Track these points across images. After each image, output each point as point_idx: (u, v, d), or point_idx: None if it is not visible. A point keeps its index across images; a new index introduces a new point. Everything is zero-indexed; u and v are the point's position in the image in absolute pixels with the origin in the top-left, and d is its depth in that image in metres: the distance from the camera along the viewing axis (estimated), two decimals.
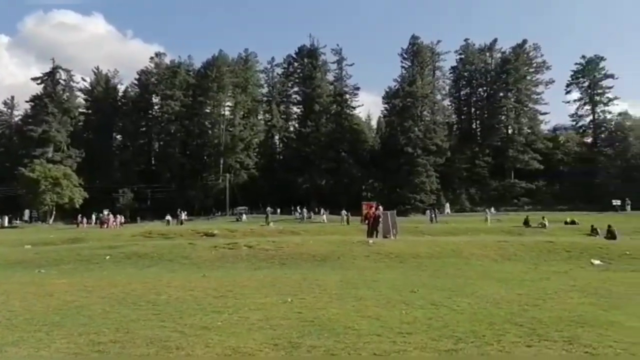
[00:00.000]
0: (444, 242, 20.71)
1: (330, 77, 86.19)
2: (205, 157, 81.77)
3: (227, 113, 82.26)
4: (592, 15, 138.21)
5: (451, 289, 10.76)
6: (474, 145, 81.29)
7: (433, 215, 48.21)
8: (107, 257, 18.89)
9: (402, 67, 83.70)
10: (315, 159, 74.51)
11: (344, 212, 47.36)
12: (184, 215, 54.68)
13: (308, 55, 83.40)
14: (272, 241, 21.08)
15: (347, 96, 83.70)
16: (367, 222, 27.86)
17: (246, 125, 79.66)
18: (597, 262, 16.41)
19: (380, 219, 25.00)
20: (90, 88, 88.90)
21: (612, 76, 77.13)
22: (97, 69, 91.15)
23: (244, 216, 57.96)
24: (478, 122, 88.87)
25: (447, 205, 65.18)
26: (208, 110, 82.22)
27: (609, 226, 27.75)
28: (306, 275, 13.33)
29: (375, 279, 12.57)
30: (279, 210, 61.13)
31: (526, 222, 37.36)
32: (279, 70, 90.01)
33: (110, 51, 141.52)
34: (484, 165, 75.99)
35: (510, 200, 70.12)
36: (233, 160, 76.79)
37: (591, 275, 13.64)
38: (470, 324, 7.05)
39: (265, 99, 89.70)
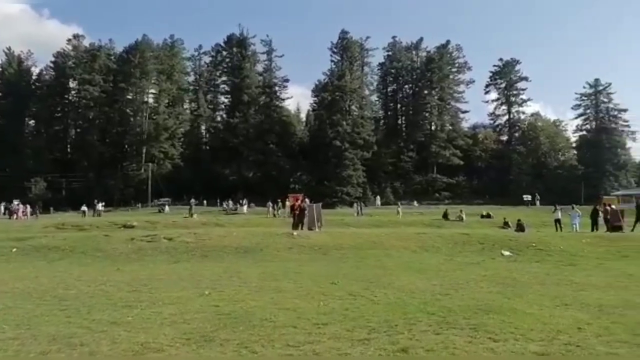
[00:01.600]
0: (367, 234, 21.18)
1: (259, 68, 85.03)
2: (126, 146, 78.35)
3: (150, 100, 78.79)
4: (509, 20, 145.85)
5: (370, 279, 11.02)
6: (399, 140, 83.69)
7: (359, 208, 49.19)
8: (14, 249, 17.85)
9: (332, 61, 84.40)
10: (243, 150, 73.46)
11: (269, 204, 47.21)
12: (100, 206, 51.96)
13: (237, 44, 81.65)
14: (194, 233, 20.63)
15: (277, 88, 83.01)
16: (292, 214, 27.98)
17: (171, 113, 77.02)
18: (507, 253, 17.38)
19: (306, 211, 25.16)
20: (0, 70, 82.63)
21: (526, 79, 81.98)
22: (9, 49, 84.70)
23: (167, 207, 56.04)
24: (403, 118, 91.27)
25: (378, 198, 66.61)
26: (130, 97, 78.61)
27: (519, 220, 29.87)
28: (227, 268, 13.20)
29: (298, 271, 12.64)
30: (205, 202, 59.82)
31: (445, 215, 39.09)
32: (206, 59, 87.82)
33: (23, 31, 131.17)
34: (408, 160, 78.42)
35: (432, 194, 72.94)
36: (156, 149, 74.05)
37: (501, 266, 14.47)
38: (384, 313, 7.24)
39: (191, 87, 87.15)
